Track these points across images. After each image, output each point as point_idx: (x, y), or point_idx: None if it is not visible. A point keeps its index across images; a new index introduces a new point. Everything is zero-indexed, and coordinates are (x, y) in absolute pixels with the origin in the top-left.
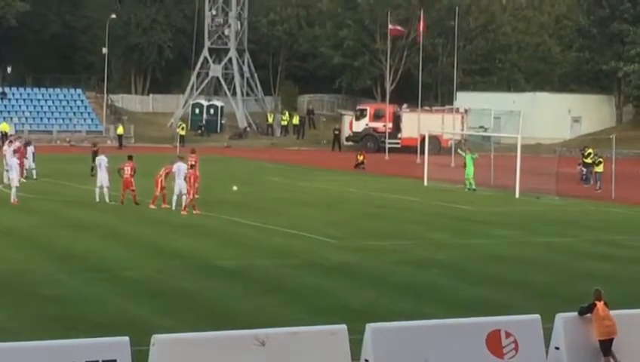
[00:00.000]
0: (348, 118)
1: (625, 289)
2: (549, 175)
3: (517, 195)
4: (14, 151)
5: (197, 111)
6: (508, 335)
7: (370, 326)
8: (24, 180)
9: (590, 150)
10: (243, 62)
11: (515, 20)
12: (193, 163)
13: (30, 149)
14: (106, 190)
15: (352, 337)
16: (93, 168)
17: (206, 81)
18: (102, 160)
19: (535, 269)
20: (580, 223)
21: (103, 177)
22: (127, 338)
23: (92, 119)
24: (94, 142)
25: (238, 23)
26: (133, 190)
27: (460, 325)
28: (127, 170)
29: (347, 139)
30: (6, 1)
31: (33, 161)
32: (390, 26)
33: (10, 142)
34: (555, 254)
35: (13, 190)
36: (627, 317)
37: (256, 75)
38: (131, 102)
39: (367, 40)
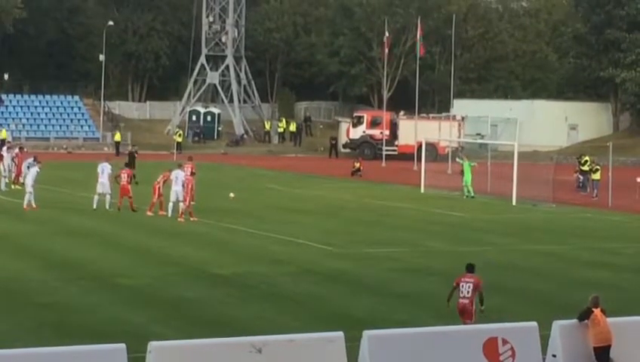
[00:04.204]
0: (345, 125)
1: (622, 296)
2: (546, 182)
3: (514, 203)
4: (12, 158)
5: (194, 118)
6: (505, 342)
7: (367, 334)
8: (19, 187)
9: (587, 158)
10: (240, 69)
11: (512, 28)
12: (192, 170)
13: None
14: (107, 197)
15: (349, 344)
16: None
17: (203, 88)
18: (105, 166)
19: (532, 277)
20: (576, 231)
21: (104, 184)
22: (123, 345)
23: (89, 126)
24: (135, 149)
25: (235, 30)
26: (130, 197)
27: (457, 332)
28: (124, 176)
29: (344, 146)
30: (3, 8)
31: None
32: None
33: (9, 148)
34: (552, 262)
35: (27, 196)
36: (624, 325)
37: (253, 82)
38: (128, 109)
39: (363, 48)
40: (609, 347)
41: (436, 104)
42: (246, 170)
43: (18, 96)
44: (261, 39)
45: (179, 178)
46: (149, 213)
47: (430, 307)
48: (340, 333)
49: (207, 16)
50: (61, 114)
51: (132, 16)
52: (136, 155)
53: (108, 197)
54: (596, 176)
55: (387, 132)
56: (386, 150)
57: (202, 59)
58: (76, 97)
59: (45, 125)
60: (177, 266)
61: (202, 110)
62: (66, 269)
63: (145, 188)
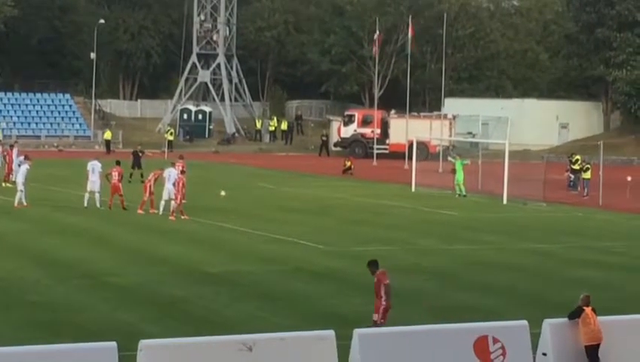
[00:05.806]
0: (336, 123)
1: (612, 295)
2: (537, 181)
3: (504, 201)
4: (4, 156)
5: (185, 116)
6: (495, 341)
7: (357, 332)
8: (10, 185)
9: (578, 157)
10: (231, 67)
11: (503, 27)
12: (182, 169)
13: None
14: (97, 195)
15: (339, 343)
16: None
17: (194, 87)
18: (95, 165)
19: (523, 275)
20: (567, 230)
21: (94, 182)
22: (114, 343)
23: (80, 124)
24: (139, 148)
25: (227, 28)
26: (121, 195)
27: (448, 331)
28: (115, 175)
29: (335, 144)
30: None
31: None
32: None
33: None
34: (542, 260)
35: (18, 194)
36: (614, 323)
37: (244, 80)
38: (119, 107)
39: (354, 46)
40: (599, 345)
41: (427, 103)
42: (237, 168)
43: (9, 94)
44: (252, 37)
45: (171, 176)
46: (140, 212)
47: (421, 305)
48: (331, 332)
49: (199, 15)
50: (52, 112)
51: (123, 14)
52: (140, 155)
53: (97, 195)
54: (587, 175)
55: (378, 131)
56: (377, 149)
57: (193, 58)
58: (67, 95)
59: (36, 123)
60: (168, 265)
61: (193, 108)
62: (57, 267)
63: (136, 187)
